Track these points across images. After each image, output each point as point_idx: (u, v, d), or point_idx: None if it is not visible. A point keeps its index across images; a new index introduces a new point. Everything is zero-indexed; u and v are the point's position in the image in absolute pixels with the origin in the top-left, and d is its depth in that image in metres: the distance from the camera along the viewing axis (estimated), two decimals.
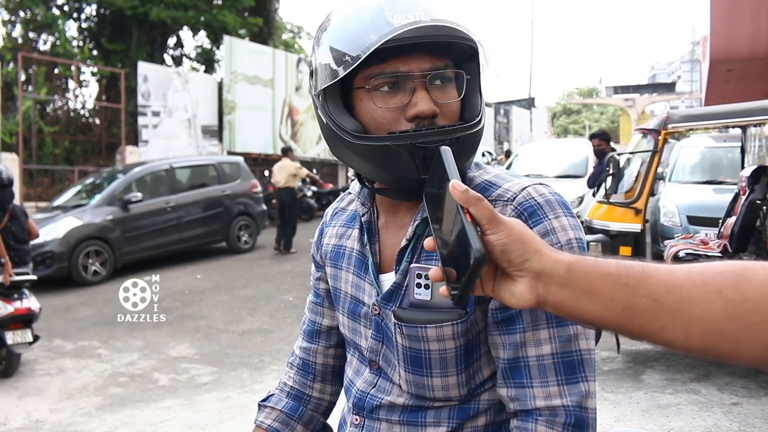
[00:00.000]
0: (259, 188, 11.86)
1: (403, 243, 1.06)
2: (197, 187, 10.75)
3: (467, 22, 0.97)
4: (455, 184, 0.71)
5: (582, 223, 5.50)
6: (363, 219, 1.14)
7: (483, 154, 15.47)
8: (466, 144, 0.99)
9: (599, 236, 4.95)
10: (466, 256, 0.66)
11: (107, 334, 6.06)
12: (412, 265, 1.02)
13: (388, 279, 1.08)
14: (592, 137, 8.21)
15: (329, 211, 1.28)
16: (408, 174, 0.98)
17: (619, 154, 5.38)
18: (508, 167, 11.12)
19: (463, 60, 1.01)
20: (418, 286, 1.01)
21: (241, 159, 12.34)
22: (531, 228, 0.92)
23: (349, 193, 1.24)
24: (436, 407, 1.05)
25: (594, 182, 7.73)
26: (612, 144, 11.06)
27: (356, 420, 1.14)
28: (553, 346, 0.94)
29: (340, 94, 1.01)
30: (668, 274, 0.68)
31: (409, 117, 0.96)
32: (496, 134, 27.96)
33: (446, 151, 0.79)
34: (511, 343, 0.97)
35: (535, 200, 0.97)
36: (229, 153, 15.99)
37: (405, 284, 1.04)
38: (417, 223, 1.05)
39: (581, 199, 8.92)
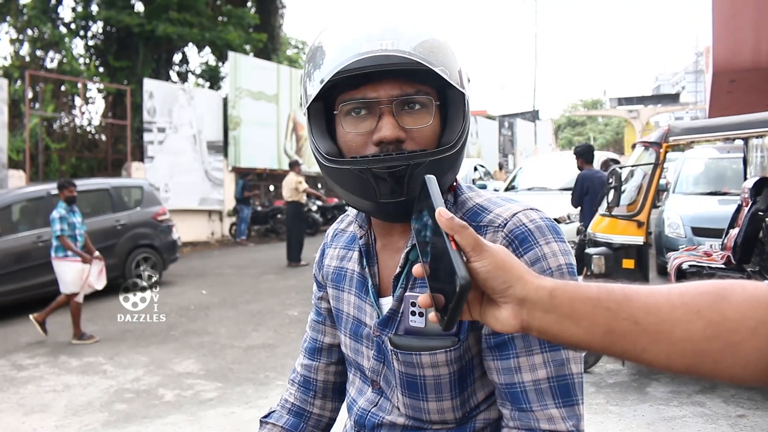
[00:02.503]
0: (167, 215, 10.33)
1: (397, 270, 1.08)
2: (86, 216, 7.89)
3: (444, 50, 0.99)
4: (441, 211, 0.73)
5: (585, 235, 5.52)
6: (360, 242, 1.16)
7: (475, 168, 15.43)
8: (433, 170, 0.98)
9: (602, 249, 4.95)
10: (452, 282, 0.67)
11: (113, 351, 6.07)
12: (407, 293, 1.05)
13: (387, 303, 1.10)
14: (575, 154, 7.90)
15: (330, 232, 1.30)
16: (370, 198, 1.00)
17: (621, 167, 5.38)
18: (512, 180, 11.12)
19: (446, 86, 1.02)
20: (413, 313, 1.04)
21: (145, 182, 10.83)
22: (522, 254, 0.96)
23: (348, 214, 1.26)
24: (434, 429, 1.08)
25: (577, 203, 7.43)
26: (616, 156, 11.05)
27: None
28: (548, 370, 0.96)
29: (324, 117, 1.04)
30: (648, 296, 0.70)
31: (374, 141, 0.98)
32: (500, 147, 27.99)
33: (431, 180, 0.81)
34: (506, 368, 0.99)
35: (526, 226, 0.99)
36: (234, 168, 16.08)
37: (401, 311, 1.06)
38: (408, 249, 1.07)
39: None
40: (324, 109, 1.04)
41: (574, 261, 1.01)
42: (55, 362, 5.77)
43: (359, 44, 0.96)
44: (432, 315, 0.74)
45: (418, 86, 0.99)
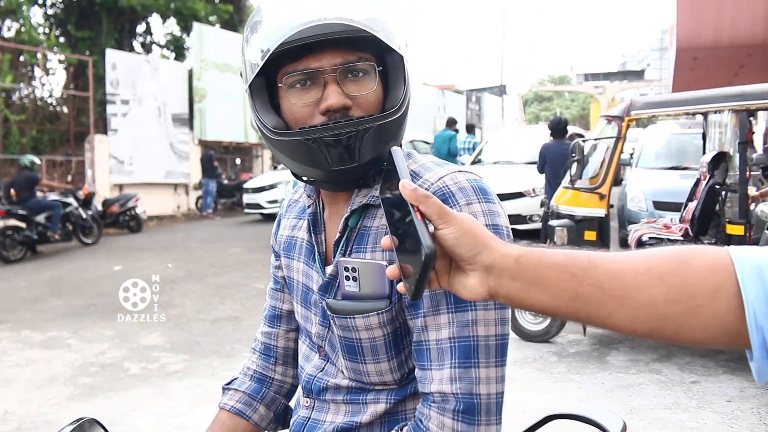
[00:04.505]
0: None
1: (336, 236, 1.10)
2: None
3: (381, 16, 1.01)
4: (404, 183, 0.74)
5: (548, 208, 5.60)
6: (309, 211, 1.18)
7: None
8: (381, 134, 1.01)
9: (564, 221, 5.03)
10: (418, 253, 0.68)
11: (77, 325, 6.01)
12: (341, 259, 1.07)
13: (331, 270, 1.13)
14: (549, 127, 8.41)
15: (284, 202, 1.33)
16: (321, 167, 1.01)
17: (584, 141, 5.46)
18: (478, 154, 11.18)
19: (384, 52, 1.04)
20: (347, 278, 1.06)
21: None
22: None
23: (301, 185, 1.28)
24: (376, 389, 1.10)
25: (542, 169, 8.03)
26: (582, 131, 11.20)
27: (307, 402, 1.20)
28: (450, 330, 0.97)
29: (267, 91, 1.05)
30: (613, 262, 0.72)
31: (321, 111, 0.99)
32: (468, 121, 28.02)
33: (396, 152, 0.82)
34: (416, 327, 1.01)
35: (449, 188, 1.00)
36: (200, 141, 15.87)
37: (339, 276, 1.08)
38: (346, 215, 1.09)
39: None
40: (265, 83, 1.04)
41: (502, 221, 1.00)
42: (17, 337, 5.69)
43: (299, 15, 0.96)
44: (400, 285, 0.75)
45: (359, 53, 1.01)
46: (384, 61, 1.04)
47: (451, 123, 12.70)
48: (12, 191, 10.23)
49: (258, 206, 13.85)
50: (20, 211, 9.92)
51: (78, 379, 4.59)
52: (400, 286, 0.75)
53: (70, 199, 10.80)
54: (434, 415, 0.97)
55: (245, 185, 14.56)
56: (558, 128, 8.15)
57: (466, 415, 0.95)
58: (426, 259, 0.67)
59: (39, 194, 10.52)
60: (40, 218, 10.11)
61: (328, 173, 1.02)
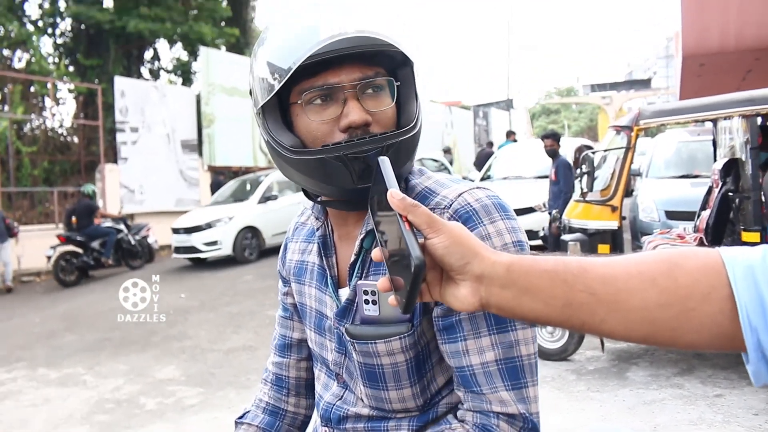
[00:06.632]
0: None
1: (352, 258, 1.08)
2: None
3: (396, 30, 1.00)
4: (393, 192, 0.73)
5: (559, 222, 5.56)
6: (318, 233, 1.16)
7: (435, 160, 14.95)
8: (402, 150, 1.00)
9: (577, 235, 4.98)
10: (408, 264, 0.67)
11: (92, 360, 6.00)
12: (359, 282, 1.05)
13: (346, 293, 1.10)
14: (543, 137, 8.35)
15: (291, 226, 1.30)
16: (345, 185, 0.99)
17: (593, 152, 5.42)
18: (488, 170, 11.14)
19: (395, 67, 1.03)
20: (366, 302, 1.03)
21: None
22: None
23: (308, 207, 1.26)
24: (397, 417, 1.07)
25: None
26: (590, 143, 11.15)
27: (326, 431, 1.17)
28: (496, 352, 0.95)
29: (279, 110, 1.03)
30: (605, 266, 0.70)
31: (342, 128, 0.98)
32: (476, 137, 28.01)
33: (384, 161, 0.80)
34: (454, 351, 0.98)
35: (471, 206, 0.99)
36: (210, 167, 15.91)
37: (357, 300, 1.06)
38: (362, 236, 1.07)
39: None
40: (277, 102, 1.02)
41: (523, 238, 1.00)
42: (33, 375, 5.69)
43: (317, 30, 0.95)
44: (391, 299, 0.74)
45: (376, 68, 1.00)
46: (396, 76, 1.03)
47: (510, 134, 14.22)
48: (73, 218, 10.92)
49: (193, 249, 11.09)
50: (79, 238, 10.66)
51: (94, 416, 4.58)
52: (391, 299, 0.74)
53: (121, 226, 11.44)
54: (505, 426, 0.95)
55: (173, 224, 11.65)
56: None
57: None
58: (416, 270, 0.65)
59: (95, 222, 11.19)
60: (95, 244, 10.74)
61: (349, 192, 1.00)
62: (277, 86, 0.97)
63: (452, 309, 0.79)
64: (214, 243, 10.96)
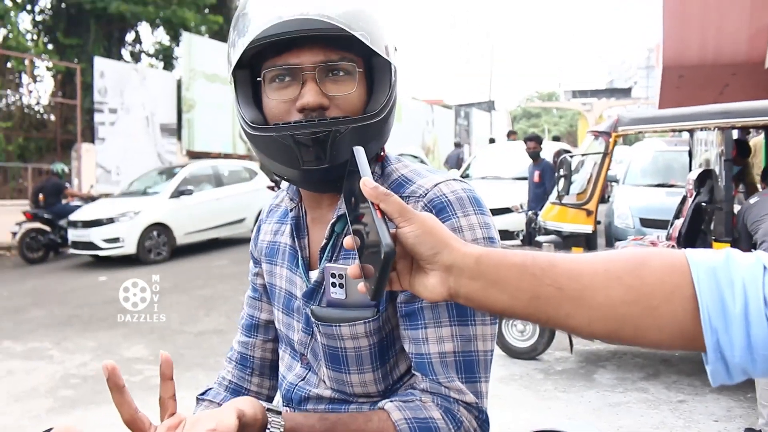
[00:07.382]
0: None
1: (323, 242, 1.08)
2: None
3: (369, 18, 0.98)
4: (365, 181, 0.73)
5: (536, 224, 5.61)
6: (291, 215, 1.16)
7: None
8: (358, 136, 0.98)
9: (552, 237, 5.04)
10: (378, 252, 0.68)
11: (59, 336, 5.92)
12: (327, 264, 1.05)
13: (315, 275, 1.10)
14: (527, 140, 8.54)
15: (266, 207, 1.30)
16: (293, 166, 0.99)
17: (571, 156, 5.47)
18: (467, 169, 11.20)
19: (372, 54, 1.01)
20: (333, 285, 1.04)
21: None
22: None
23: (283, 189, 1.26)
24: (359, 401, 1.08)
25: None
26: (569, 147, 11.27)
27: (287, 411, 1.17)
28: (455, 344, 0.97)
29: (251, 86, 1.03)
30: (572, 262, 0.71)
31: (297, 108, 0.98)
32: (456, 136, 28.13)
33: (359, 151, 0.81)
34: (414, 338, 0.99)
35: (446, 197, 0.99)
36: (188, 152, 15.79)
37: (324, 283, 1.07)
38: (333, 221, 1.07)
39: None
40: (250, 77, 1.03)
41: (494, 235, 1.00)
42: None
43: (280, 9, 0.95)
44: (361, 285, 0.75)
45: (342, 53, 0.99)
46: (370, 64, 1.03)
47: (512, 134, 14.73)
48: (40, 196, 10.88)
49: (91, 246, 9.95)
50: (46, 215, 10.59)
51: (59, 391, 4.52)
52: (361, 286, 0.75)
53: None
54: (464, 412, 0.96)
55: (71, 216, 10.39)
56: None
57: (486, 425, 0.99)
58: (386, 258, 0.66)
59: (63, 201, 11.12)
60: (63, 222, 10.59)
61: (301, 173, 1.00)
62: (234, 61, 0.99)
63: (416, 296, 0.80)
64: (116, 240, 9.86)
